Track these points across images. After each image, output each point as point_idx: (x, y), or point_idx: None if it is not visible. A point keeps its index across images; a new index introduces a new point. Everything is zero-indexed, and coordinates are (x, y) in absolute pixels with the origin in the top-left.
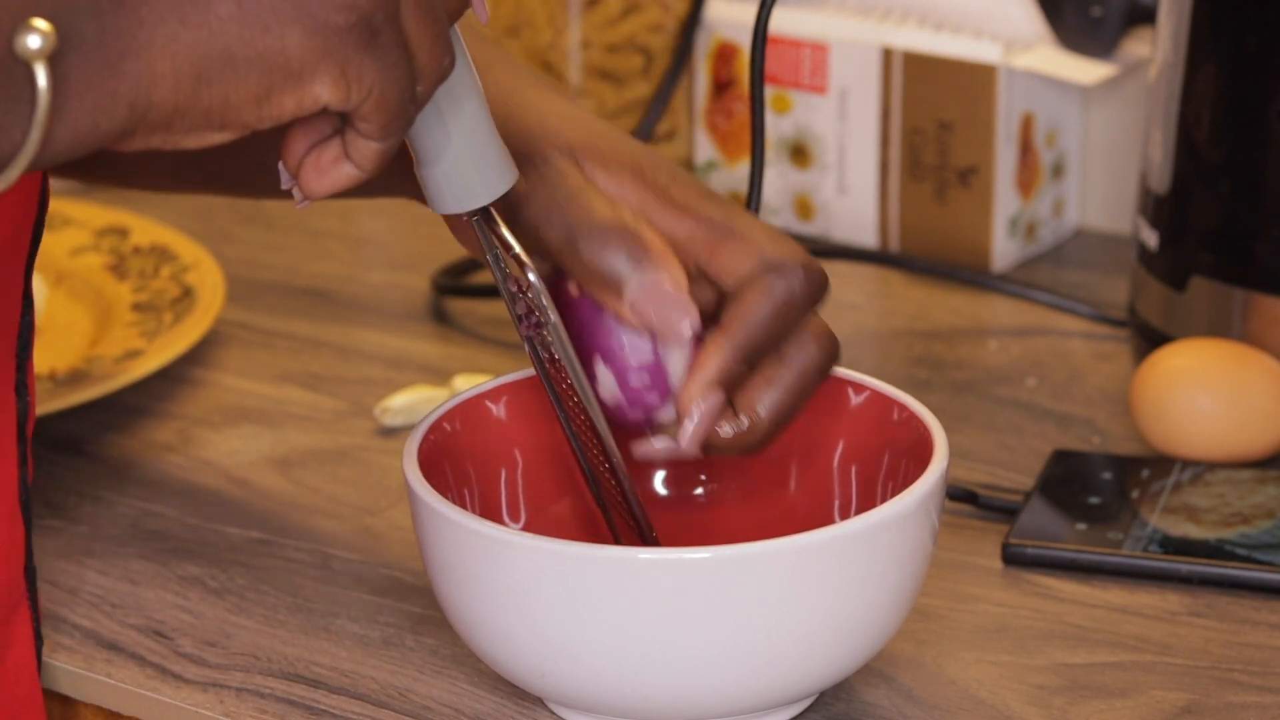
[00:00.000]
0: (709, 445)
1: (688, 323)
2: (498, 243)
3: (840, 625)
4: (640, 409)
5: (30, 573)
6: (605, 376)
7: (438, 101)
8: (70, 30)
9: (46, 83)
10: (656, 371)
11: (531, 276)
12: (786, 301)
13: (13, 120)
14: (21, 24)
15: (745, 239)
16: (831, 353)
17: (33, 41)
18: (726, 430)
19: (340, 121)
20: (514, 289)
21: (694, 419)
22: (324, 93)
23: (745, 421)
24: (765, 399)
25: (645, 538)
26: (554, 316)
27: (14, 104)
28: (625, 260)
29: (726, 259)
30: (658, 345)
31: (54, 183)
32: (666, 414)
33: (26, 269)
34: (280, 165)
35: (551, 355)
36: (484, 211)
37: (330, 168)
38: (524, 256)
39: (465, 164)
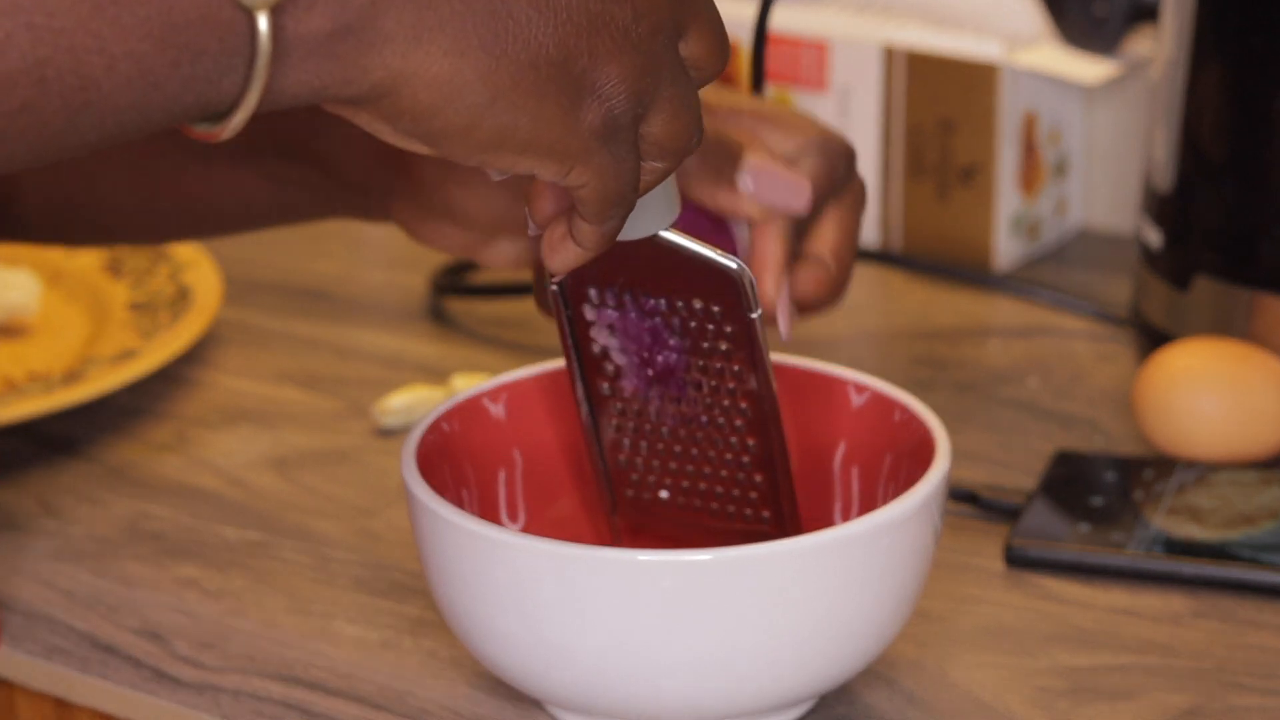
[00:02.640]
0: (803, 309)
1: (806, 188)
2: (695, 255)
3: (841, 627)
4: None
5: None
6: None
7: None
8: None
9: (268, 44)
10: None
11: (734, 263)
12: (829, 176)
13: (227, 71)
14: None
15: (785, 124)
16: (863, 194)
17: None
18: (810, 287)
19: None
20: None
21: (782, 311)
22: (542, 169)
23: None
24: (832, 248)
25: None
26: (759, 311)
27: (232, 57)
28: (723, 158)
29: (769, 140)
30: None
31: None
32: None
33: None
34: (528, 216)
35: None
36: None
37: (560, 245)
38: (720, 258)
39: (664, 191)
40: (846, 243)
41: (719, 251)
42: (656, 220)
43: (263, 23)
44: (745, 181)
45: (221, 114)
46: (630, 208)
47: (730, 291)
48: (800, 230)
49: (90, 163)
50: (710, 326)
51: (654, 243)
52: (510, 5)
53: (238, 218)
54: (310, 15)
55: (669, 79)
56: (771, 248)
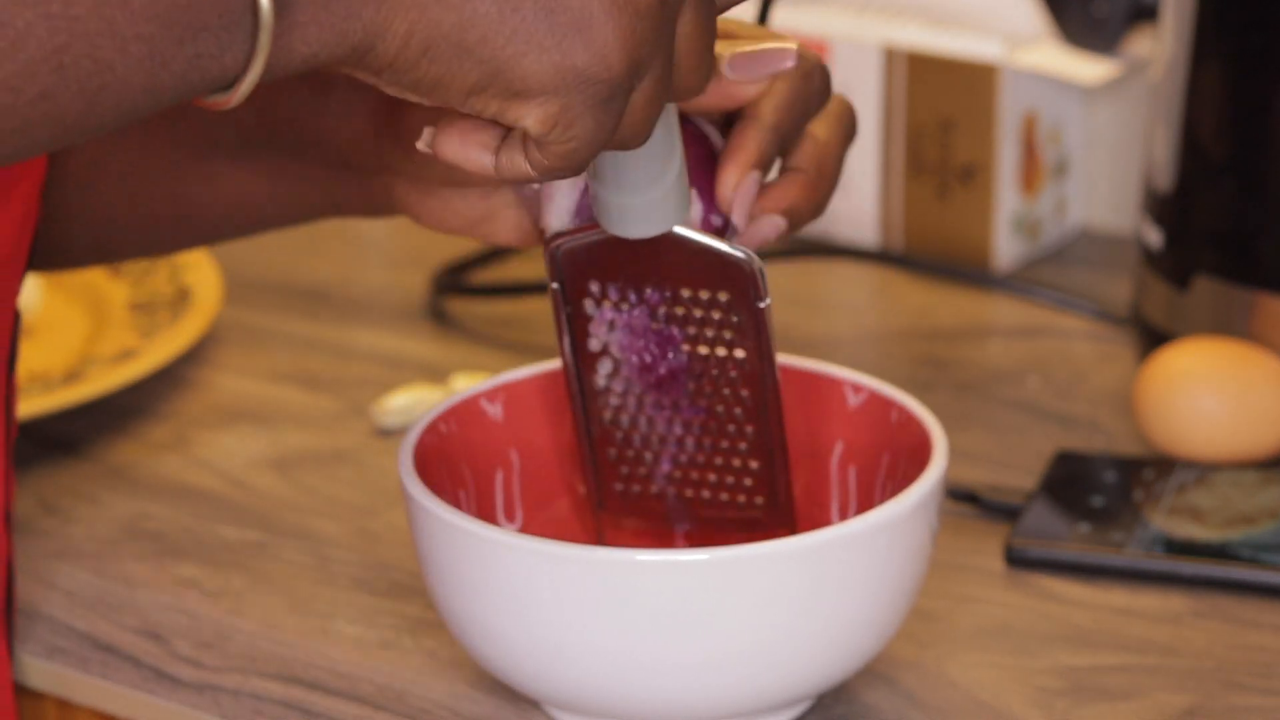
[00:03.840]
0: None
1: (791, 50)
2: (706, 248)
3: (839, 627)
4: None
5: (9, 587)
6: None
7: (669, 134)
8: None
9: (270, 16)
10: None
11: (743, 254)
12: (806, 89)
13: (228, 46)
14: None
15: (753, 33)
16: (851, 121)
17: None
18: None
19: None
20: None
21: (740, 204)
22: (530, 120)
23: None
24: (812, 158)
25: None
26: (769, 300)
27: (233, 31)
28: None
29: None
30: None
31: None
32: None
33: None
34: (427, 127)
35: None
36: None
37: (473, 146)
38: (731, 250)
39: (677, 189)
40: (829, 153)
41: (729, 244)
42: (670, 218)
43: (265, 5)
44: (726, 69)
45: (228, 85)
46: (577, 174)
47: (739, 281)
48: (784, 143)
49: (82, 173)
50: (716, 315)
51: (662, 236)
52: None
53: (237, 220)
54: None
55: (660, 62)
56: (744, 140)
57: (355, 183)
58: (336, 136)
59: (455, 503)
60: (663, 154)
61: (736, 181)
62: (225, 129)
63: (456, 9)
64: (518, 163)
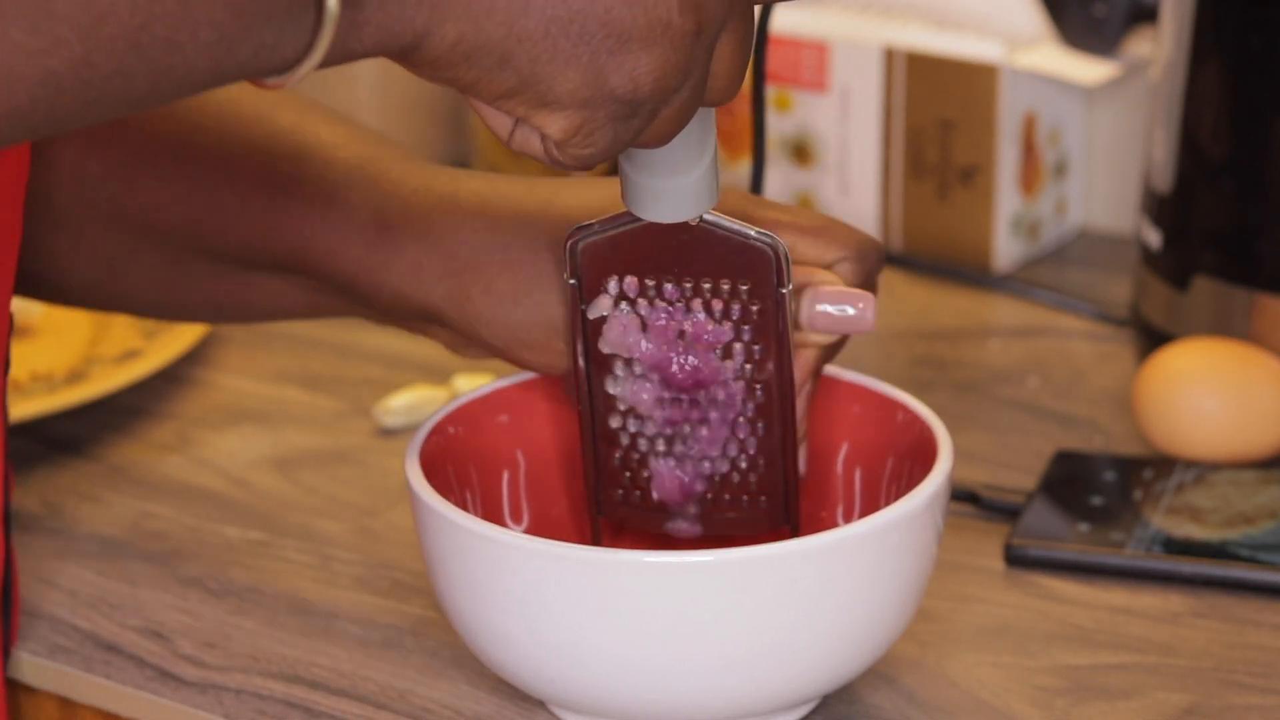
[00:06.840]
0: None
1: (868, 305)
2: (733, 233)
3: (846, 628)
4: None
5: (6, 587)
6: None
7: (705, 121)
8: None
9: (336, 15)
10: None
11: (769, 238)
12: (867, 279)
13: (292, 38)
14: None
15: (822, 234)
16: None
17: None
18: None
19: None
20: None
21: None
22: (553, 128)
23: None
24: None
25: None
26: (790, 286)
27: (299, 24)
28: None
29: (808, 250)
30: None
31: None
32: None
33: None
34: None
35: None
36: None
37: (495, 115)
38: (756, 234)
39: (709, 176)
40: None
41: (753, 228)
42: (699, 204)
43: (332, 4)
44: (805, 322)
45: (287, 68)
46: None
47: (762, 266)
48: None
49: (124, 262)
50: (736, 307)
51: (685, 225)
52: None
53: (267, 316)
54: None
55: (691, 85)
56: (810, 360)
57: (393, 322)
58: (392, 292)
59: (461, 504)
60: (697, 144)
61: (797, 389)
62: (267, 256)
63: (506, 25)
64: (532, 144)
